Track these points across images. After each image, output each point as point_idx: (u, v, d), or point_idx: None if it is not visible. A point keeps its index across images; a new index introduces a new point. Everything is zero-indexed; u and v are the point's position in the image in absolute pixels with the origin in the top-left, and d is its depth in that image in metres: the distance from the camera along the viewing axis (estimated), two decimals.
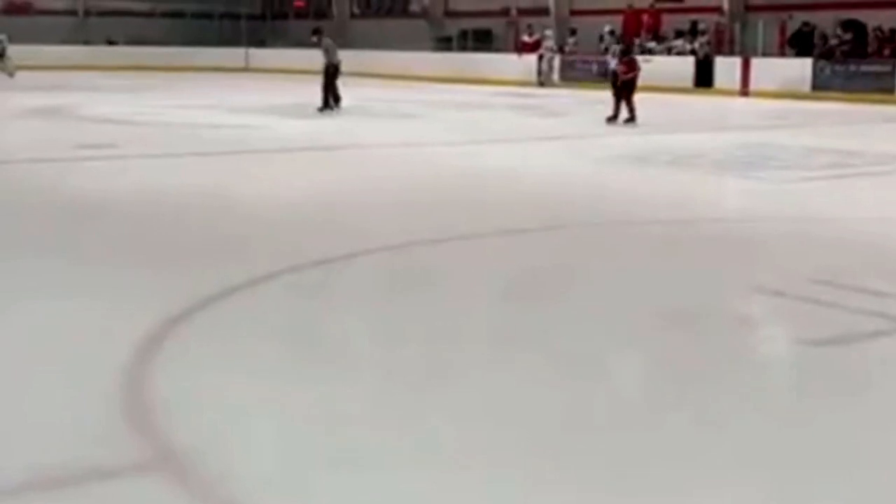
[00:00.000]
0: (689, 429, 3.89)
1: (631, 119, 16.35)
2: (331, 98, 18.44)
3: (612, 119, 16.47)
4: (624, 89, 16.54)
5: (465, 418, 3.97)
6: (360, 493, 3.27)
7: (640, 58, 17.94)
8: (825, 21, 24.16)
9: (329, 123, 17.42)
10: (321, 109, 18.32)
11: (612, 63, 18.13)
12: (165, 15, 40.70)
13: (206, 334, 5.08)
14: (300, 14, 41.82)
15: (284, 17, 42.30)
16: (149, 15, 40.34)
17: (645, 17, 28.50)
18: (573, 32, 29.63)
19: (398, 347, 4.93)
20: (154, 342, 4.74)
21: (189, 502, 3.27)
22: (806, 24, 24.38)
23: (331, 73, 18.49)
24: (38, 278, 6.12)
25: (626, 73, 16.62)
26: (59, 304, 5.49)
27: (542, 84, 28.30)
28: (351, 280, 6.45)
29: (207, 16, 41.11)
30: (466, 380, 4.50)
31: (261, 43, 39.75)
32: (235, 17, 41.22)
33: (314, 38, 19.06)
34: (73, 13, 39.86)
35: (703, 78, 25.18)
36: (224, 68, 35.68)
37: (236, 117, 17.83)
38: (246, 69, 36.82)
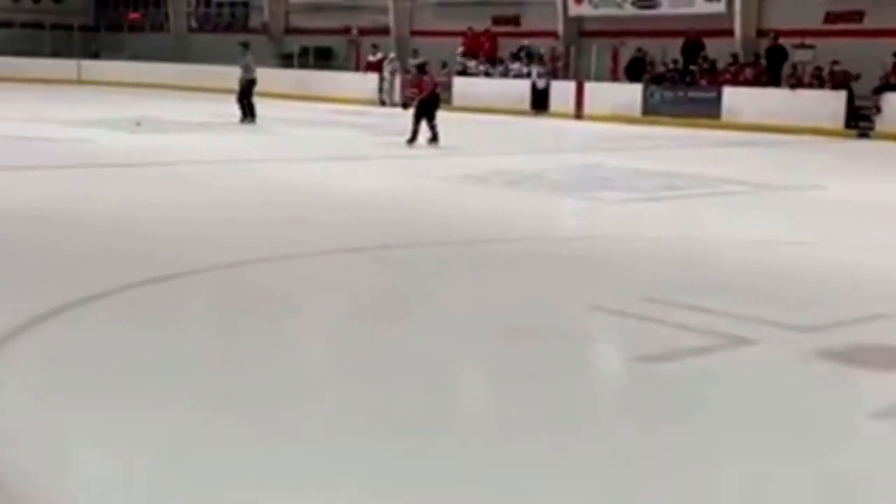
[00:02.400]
0: (526, 441, 3.95)
1: (433, 139, 15.99)
2: (247, 110, 19.59)
3: (411, 141, 15.99)
4: (421, 109, 16.07)
5: (305, 437, 3.93)
6: None
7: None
8: (655, 49, 25.10)
9: (164, 139, 17.04)
10: (242, 121, 19.42)
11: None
12: None
13: (25, 361, 4.88)
14: (135, 27, 40.77)
15: (119, 28, 41.11)
16: None
17: (483, 40, 28.97)
18: (415, 53, 29.84)
19: (235, 370, 4.84)
20: None
21: None
22: (640, 50, 25.28)
23: (247, 88, 19.69)
24: None
25: (417, 94, 16.36)
26: None
27: (383, 103, 28.40)
28: (185, 299, 6.30)
29: (38, 26, 39.59)
30: (307, 400, 4.45)
31: (94, 55, 38.54)
32: (67, 27, 39.83)
33: (243, 51, 20.40)
34: None
35: (539, 101, 25.79)
36: (55, 80, 34.41)
37: (66, 130, 17.22)
38: (79, 81, 35.63)
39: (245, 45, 20.60)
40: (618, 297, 6.33)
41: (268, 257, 7.35)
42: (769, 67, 22.80)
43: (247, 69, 19.87)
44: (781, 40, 22.79)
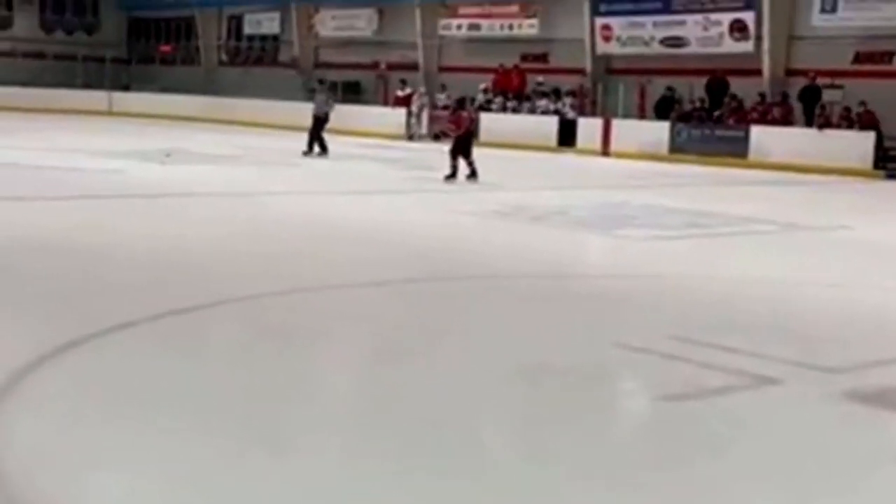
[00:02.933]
0: (548, 479, 3.93)
1: (472, 175, 15.95)
2: (316, 144, 20.51)
3: (450, 177, 15.83)
4: (458, 146, 16.10)
5: (325, 470, 3.93)
6: None
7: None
8: (683, 86, 25.13)
9: (193, 170, 17.19)
10: (306, 153, 20.35)
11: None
12: (27, 55, 39.57)
13: (48, 389, 4.90)
14: (166, 59, 41.27)
15: (151, 61, 41.63)
16: (9, 55, 39.17)
17: (513, 77, 29.13)
18: (444, 88, 30.04)
19: (252, 403, 4.84)
20: None
21: None
22: (669, 88, 25.33)
23: (319, 122, 20.86)
24: None
25: (454, 130, 16.41)
26: None
27: (411, 138, 28.54)
28: (207, 330, 6.33)
29: (70, 58, 40.17)
30: (327, 433, 4.45)
31: (126, 87, 39.01)
32: (100, 60, 40.38)
33: (317, 87, 21.98)
34: None
35: (567, 137, 25.84)
36: (86, 111, 34.84)
37: (96, 161, 17.39)
38: (110, 113, 36.04)
39: (321, 82, 22.20)
40: (643, 335, 6.30)
41: (292, 290, 7.37)
42: (804, 107, 22.65)
43: (322, 104, 21.31)
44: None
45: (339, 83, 33.78)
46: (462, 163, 15.91)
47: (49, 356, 5.19)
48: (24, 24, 40.83)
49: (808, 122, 22.39)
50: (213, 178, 16.17)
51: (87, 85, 37.78)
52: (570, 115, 26.02)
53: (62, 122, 30.12)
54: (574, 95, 26.91)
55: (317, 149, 20.76)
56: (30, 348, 5.27)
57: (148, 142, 22.22)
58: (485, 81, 29.06)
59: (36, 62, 39.26)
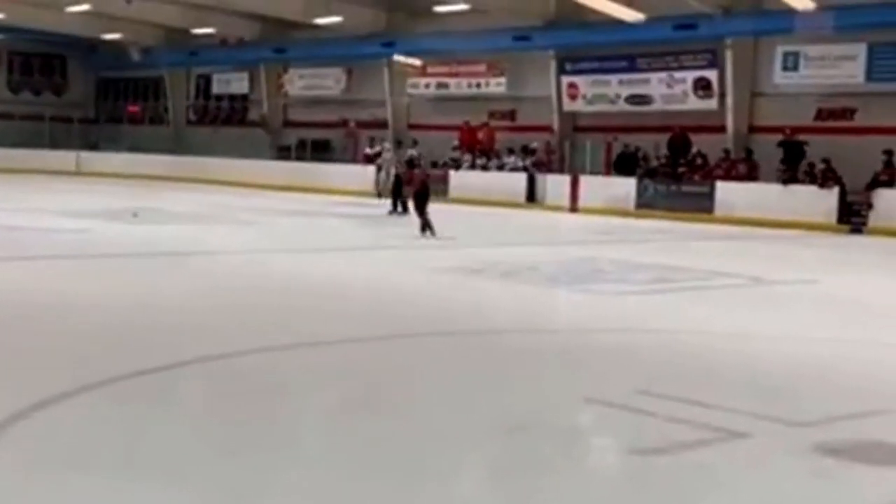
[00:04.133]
0: None
1: (424, 230, 16.34)
2: (399, 203, 21.11)
3: (424, 230, 16.36)
4: (418, 201, 16.67)
5: None
6: None
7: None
8: (648, 143, 25.43)
9: (160, 229, 17.13)
10: (391, 213, 21.20)
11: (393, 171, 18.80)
12: None
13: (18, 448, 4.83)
14: (134, 119, 41.28)
15: (119, 121, 41.63)
16: None
17: (480, 134, 29.36)
18: (415, 143, 30.24)
19: (221, 462, 4.79)
20: None
21: None
22: (627, 145, 25.65)
23: (399, 181, 21.40)
24: None
25: (407, 184, 17.10)
26: None
27: (379, 195, 28.61)
28: (175, 390, 6.27)
29: (38, 118, 40.09)
30: (299, 492, 4.40)
31: (94, 146, 38.95)
32: (67, 120, 40.34)
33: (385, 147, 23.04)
34: None
35: (535, 193, 26.05)
36: (54, 171, 34.74)
37: (62, 221, 17.30)
38: (77, 172, 35.95)
39: (399, 143, 22.90)
40: (612, 390, 6.30)
41: (261, 348, 7.33)
42: (785, 161, 22.76)
43: (395, 163, 22.28)
44: (771, 136, 23.14)
45: (308, 141, 33.95)
46: (417, 213, 16.64)
47: (10, 419, 5.12)
48: None
49: (794, 177, 22.31)
50: (181, 236, 16.12)
51: (55, 145, 37.71)
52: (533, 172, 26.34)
53: (30, 182, 30.00)
54: (534, 153, 27.19)
55: (399, 208, 21.34)
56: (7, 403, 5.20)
57: (115, 201, 22.16)
58: (454, 139, 29.31)
59: (3, 123, 39.14)
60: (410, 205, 17.61)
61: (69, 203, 21.50)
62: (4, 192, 24.62)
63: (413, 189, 16.84)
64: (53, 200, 22.43)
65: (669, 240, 18.68)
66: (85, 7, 30.95)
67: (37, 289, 9.84)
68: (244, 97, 37.71)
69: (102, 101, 43.10)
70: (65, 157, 36.94)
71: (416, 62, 30.94)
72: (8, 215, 18.00)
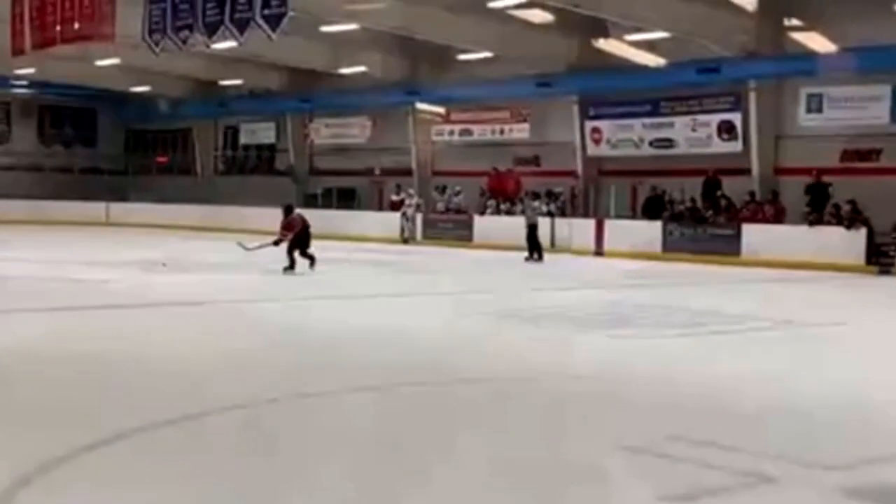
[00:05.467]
0: None
1: (312, 263, 17.78)
2: (535, 252, 22.39)
3: (289, 269, 17.64)
4: (294, 244, 17.90)
5: None
6: None
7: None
8: (673, 186, 25.45)
9: (188, 279, 17.26)
10: (527, 259, 22.32)
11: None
12: (25, 169, 40.08)
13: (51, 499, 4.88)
14: (163, 170, 41.77)
15: (148, 172, 42.16)
16: (8, 168, 39.67)
17: (507, 180, 29.51)
18: (443, 189, 30.44)
19: None
20: None
21: None
22: (654, 189, 25.68)
23: (533, 230, 22.75)
24: None
25: (286, 235, 18.05)
26: None
27: (405, 241, 28.77)
28: (202, 440, 6.31)
29: (68, 170, 40.69)
30: None
31: (123, 197, 39.43)
32: (97, 171, 40.86)
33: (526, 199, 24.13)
34: None
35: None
36: (84, 222, 35.16)
37: (91, 272, 17.48)
38: (107, 223, 36.35)
39: (536, 195, 24.50)
40: (642, 435, 6.30)
41: (287, 396, 7.37)
42: (811, 203, 22.71)
43: (533, 214, 23.26)
44: (796, 178, 23.11)
45: (333, 189, 34.21)
46: (302, 254, 17.86)
47: (36, 472, 5.17)
48: (23, 137, 41.45)
49: (820, 218, 22.20)
50: (210, 286, 16.24)
51: (85, 196, 38.21)
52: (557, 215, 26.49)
53: (59, 233, 30.34)
54: (558, 198, 27.31)
55: (535, 255, 22.52)
56: (18, 464, 5.24)
57: (144, 251, 22.36)
58: (478, 185, 29.49)
59: (34, 175, 39.76)
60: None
61: (98, 254, 21.72)
62: (34, 244, 24.91)
63: (294, 234, 18.00)
64: (82, 252, 22.66)
65: (697, 283, 18.63)
66: (114, 60, 31.44)
67: (62, 340, 9.92)
68: (271, 147, 38.10)
69: (132, 153, 43.67)
70: (95, 209, 37.37)
71: (440, 110, 31.20)
72: (37, 267, 18.22)
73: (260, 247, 18.85)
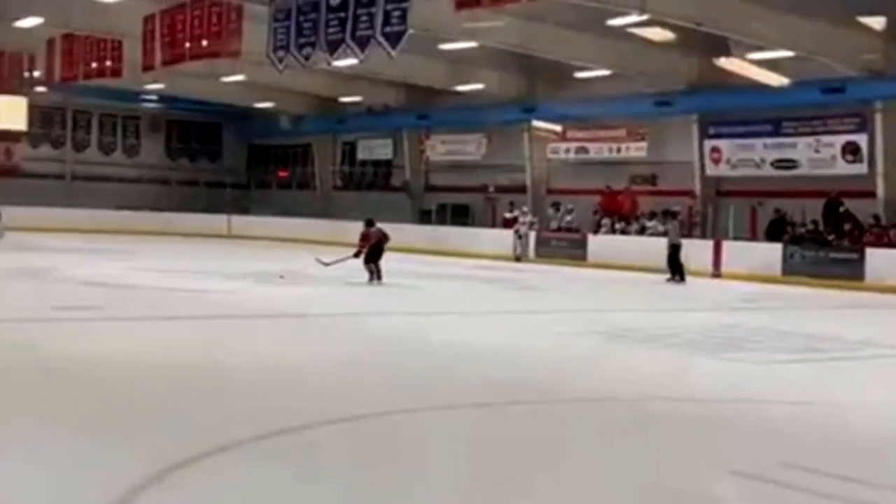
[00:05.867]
0: None
1: (378, 277, 18.75)
2: (677, 274, 22.43)
3: (373, 279, 18.63)
4: (369, 255, 18.93)
5: None
6: None
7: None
8: (793, 207, 24.88)
9: (310, 291, 17.59)
10: (668, 280, 22.38)
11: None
12: (152, 181, 41.51)
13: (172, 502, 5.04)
14: (283, 184, 42.72)
15: (269, 186, 43.20)
16: (136, 181, 41.14)
17: (621, 198, 29.30)
18: (557, 206, 30.38)
19: None
20: None
21: None
22: (777, 210, 25.13)
23: (675, 250, 22.71)
24: (8, 439, 6.10)
25: (363, 246, 19.10)
26: (14, 465, 5.51)
27: (517, 259, 28.76)
28: (316, 450, 6.42)
29: (193, 183, 41.98)
30: None
31: (244, 210, 40.44)
32: (220, 185, 42.06)
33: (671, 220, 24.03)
34: (60, 177, 40.56)
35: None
36: (207, 234, 36.19)
37: (214, 282, 17.98)
38: (228, 235, 37.32)
39: (673, 215, 24.12)
40: (756, 462, 6.18)
41: (398, 410, 7.44)
42: None
43: (675, 235, 23.13)
44: None
45: (448, 206, 34.44)
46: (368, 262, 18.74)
47: (159, 476, 5.34)
48: (151, 152, 42.90)
49: None
50: (327, 298, 16.53)
51: (209, 209, 39.34)
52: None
53: (184, 244, 31.26)
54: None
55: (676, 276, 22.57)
56: (142, 468, 5.41)
57: (263, 264, 22.87)
58: (593, 203, 29.33)
59: (161, 187, 41.15)
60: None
61: (220, 265, 22.32)
62: (160, 255, 25.74)
63: (369, 245, 18.93)
64: (204, 263, 23.31)
65: (817, 308, 18.16)
66: (240, 77, 32.31)
67: (185, 348, 10.22)
68: (388, 163, 38.59)
69: (254, 167, 44.79)
70: (217, 221, 38.42)
71: (556, 127, 31.14)
72: (163, 277, 18.81)
73: (338, 261, 19.41)
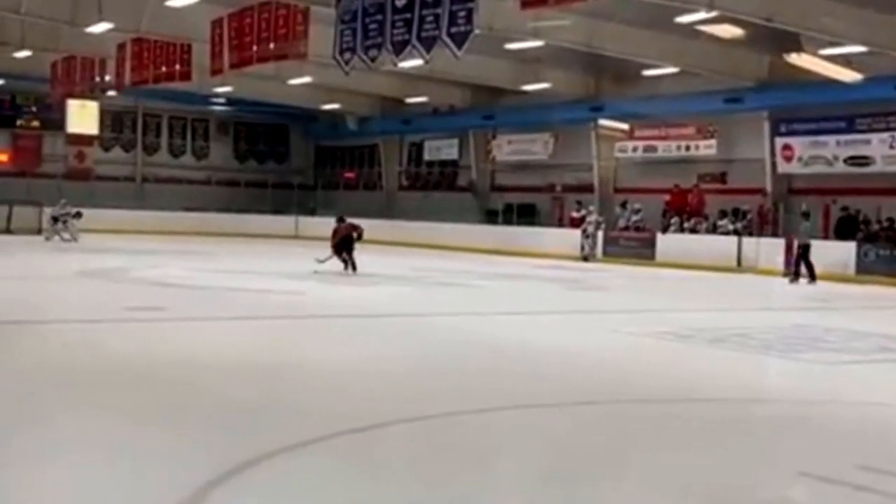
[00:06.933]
0: None
1: (353, 268, 19.88)
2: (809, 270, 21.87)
3: (349, 269, 19.90)
4: (338, 247, 20.19)
5: None
6: None
7: None
8: (868, 205, 24.36)
9: (376, 291, 17.65)
10: (792, 281, 21.90)
11: None
12: (221, 183, 42.06)
13: (242, 500, 5.06)
14: (349, 185, 42.98)
15: (335, 187, 43.50)
16: (205, 183, 41.72)
17: (690, 197, 28.97)
18: (624, 205, 30.15)
19: None
20: None
21: None
22: (845, 208, 24.64)
23: (807, 250, 22.13)
24: (82, 437, 6.18)
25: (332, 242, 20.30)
26: (88, 462, 5.55)
27: (585, 259, 28.58)
28: (383, 449, 6.42)
29: (261, 185, 42.44)
30: None
31: (311, 211, 40.79)
32: (288, 186, 42.45)
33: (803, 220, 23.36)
34: (131, 179, 41.29)
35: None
36: (275, 235, 36.54)
37: (281, 283, 18.13)
38: (296, 236, 37.65)
39: (805, 214, 23.22)
40: (830, 464, 6.03)
41: (463, 410, 7.40)
42: None
43: (805, 234, 22.44)
44: None
45: (514, 205, 34.36)
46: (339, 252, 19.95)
47: (232, 473, 5.37)
48: (220, 154, 43.48)
49: None
50: (392, 299, 16.57)
51: (276, 210, 39.71)
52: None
53: (252, 245, 31.62)
54: (745, 216, 26.52)
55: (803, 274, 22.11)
56: (212, 465, 5.44)
57: (329, 264, 23.00)
58: (661, 202, 29.03)
59: (229, 189, 41.69)
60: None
61: (287, 266, 22.50)
62: (229, 255, 26.04)
63: (339, 238, 20.15)
64: (272, 263, 23.53)
65: (892, 308, 17.74)
66: (306, 79, 32.57)
67: (252, 348, 10.31)
68: (454, 163, 38.62)
69: (320, 169, 45.14)
70: (285, 222, 38.80)
71: (624, 126, 30.88)
72: (231, 277, 19.02)
73: (328, 258, 20.28)
